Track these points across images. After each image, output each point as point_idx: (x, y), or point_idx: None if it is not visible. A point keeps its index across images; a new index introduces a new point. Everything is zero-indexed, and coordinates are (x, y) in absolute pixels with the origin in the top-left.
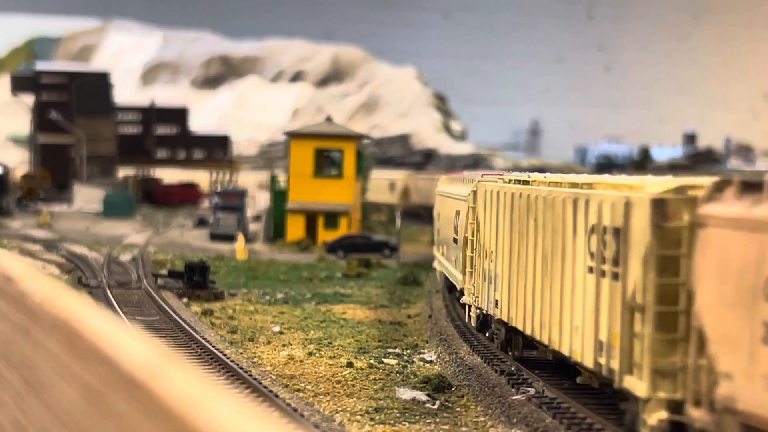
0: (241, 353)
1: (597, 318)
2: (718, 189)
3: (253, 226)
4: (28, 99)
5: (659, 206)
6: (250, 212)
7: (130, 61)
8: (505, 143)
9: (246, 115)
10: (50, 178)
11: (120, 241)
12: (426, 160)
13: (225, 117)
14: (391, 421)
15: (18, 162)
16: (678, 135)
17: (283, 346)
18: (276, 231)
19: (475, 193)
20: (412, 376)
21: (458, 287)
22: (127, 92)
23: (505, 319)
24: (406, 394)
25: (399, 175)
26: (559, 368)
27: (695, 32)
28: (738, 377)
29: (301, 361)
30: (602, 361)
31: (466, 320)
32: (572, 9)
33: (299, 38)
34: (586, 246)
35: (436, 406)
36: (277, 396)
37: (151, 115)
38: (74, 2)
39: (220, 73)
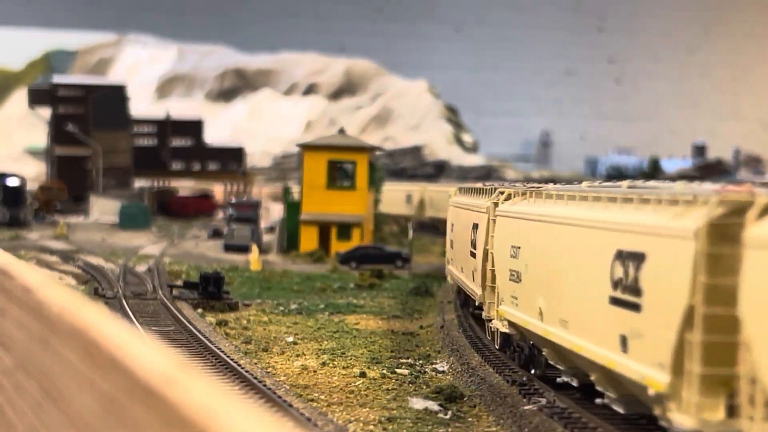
0: (256, 363)
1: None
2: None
3: (266, 238)
4: (45, 112)
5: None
6: (263, 223)
7: (145, 74)
8: (516, 155)
9: (260, 127)
10: (67, 190)
11: (136, 252)
12: (438, 171)
13: (239, 129)
14: (404, 431)
15: (35, 174)
16: (688, 147)
17: (297, 356)
18: (289, 242)
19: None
20: (424, 386)
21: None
22: (142, 105)
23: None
24: (418, 404)
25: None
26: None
27: (705, 45)
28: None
29: (315, 371)
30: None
31: None
32: (583, 22)
33: (312, 51)
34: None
35: (448, 416)
36: (291, 406)
37: (167, 127)
38: (91, 16)
39: (234, 86)
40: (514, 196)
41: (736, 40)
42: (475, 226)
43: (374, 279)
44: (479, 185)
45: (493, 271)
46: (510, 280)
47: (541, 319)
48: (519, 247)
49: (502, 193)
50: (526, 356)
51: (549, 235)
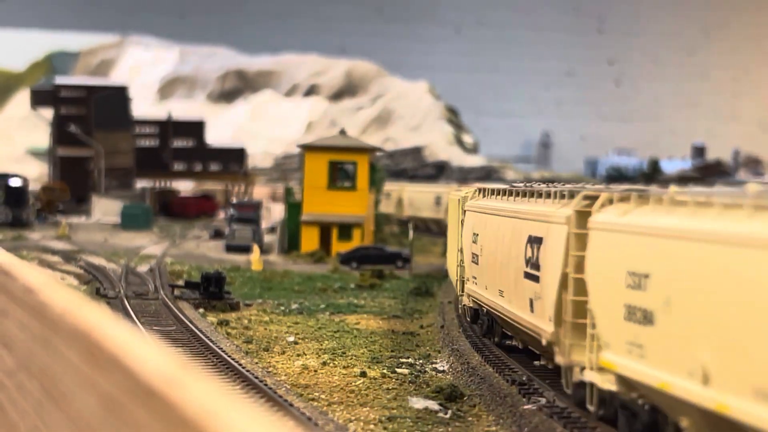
0: (257, 363)
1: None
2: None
3: (268, 238)
4: (48, 113)
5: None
6: (265, 224)
7: (147, 75)
8: (517, 155)
9: (261, 128)
10: (69, 191)
11: (137, 252)
12: (438, 172)
13: (240, 130)
14: (404, 430)
15: (37, 175)
16: (687, 148)
17: (298, 355)
18: (290, 242)
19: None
20: (424, 386)
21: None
22: (144, 106)
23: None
24: (418, 403)
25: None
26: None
27: (704, 46)
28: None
29: (316, 371)
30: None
31: None
32: (582, 23)
33: (313, 53)
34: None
35: (448, 416)
36: (291, 405)
37: (168, 128)
38: (93, 18)
39: (236, 87)
40: (610, 203)
41: (735, 41)
42: (536, 240)
43: (375, 279)
44: (522, 186)
45: (583, 303)
46: (626, 320)
47: (705, 382)
48: (647, 276)
49: (590, 198)
50: (645, 425)
51: (727, 262)
